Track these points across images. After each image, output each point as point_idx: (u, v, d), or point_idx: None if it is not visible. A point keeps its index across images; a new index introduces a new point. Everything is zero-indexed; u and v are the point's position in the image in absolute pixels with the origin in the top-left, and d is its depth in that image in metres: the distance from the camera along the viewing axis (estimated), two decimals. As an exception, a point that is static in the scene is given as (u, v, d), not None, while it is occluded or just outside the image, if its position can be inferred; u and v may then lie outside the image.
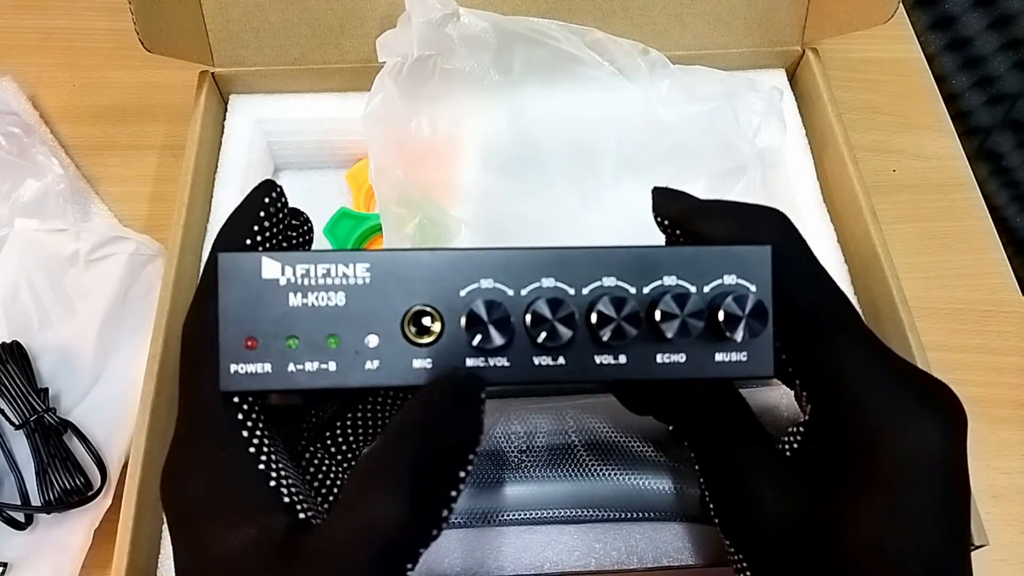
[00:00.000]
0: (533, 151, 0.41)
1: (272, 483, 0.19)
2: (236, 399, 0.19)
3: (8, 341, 0.38)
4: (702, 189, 0.42)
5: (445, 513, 0.18)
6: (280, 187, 0.22)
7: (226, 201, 0.41)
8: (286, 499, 0.19)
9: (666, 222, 0.23)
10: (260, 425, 0.19)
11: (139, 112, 0.50)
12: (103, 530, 0.35)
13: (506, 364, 0.19)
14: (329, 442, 0.24)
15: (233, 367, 0.19)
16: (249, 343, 0.19)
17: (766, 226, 0.22)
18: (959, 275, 0.46)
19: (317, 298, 0.19)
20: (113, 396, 0.39)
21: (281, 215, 0.21)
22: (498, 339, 0.19)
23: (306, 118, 0.44)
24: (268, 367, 0.19)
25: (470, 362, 0.19)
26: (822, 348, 0.21)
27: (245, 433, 0.19)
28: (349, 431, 0.24)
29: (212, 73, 0.43)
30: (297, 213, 0.23)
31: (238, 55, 0.43)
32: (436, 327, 0.19)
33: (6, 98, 0.48)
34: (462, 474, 0.18)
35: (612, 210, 0.41)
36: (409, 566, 0.17)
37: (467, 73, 0.39)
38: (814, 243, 0.40)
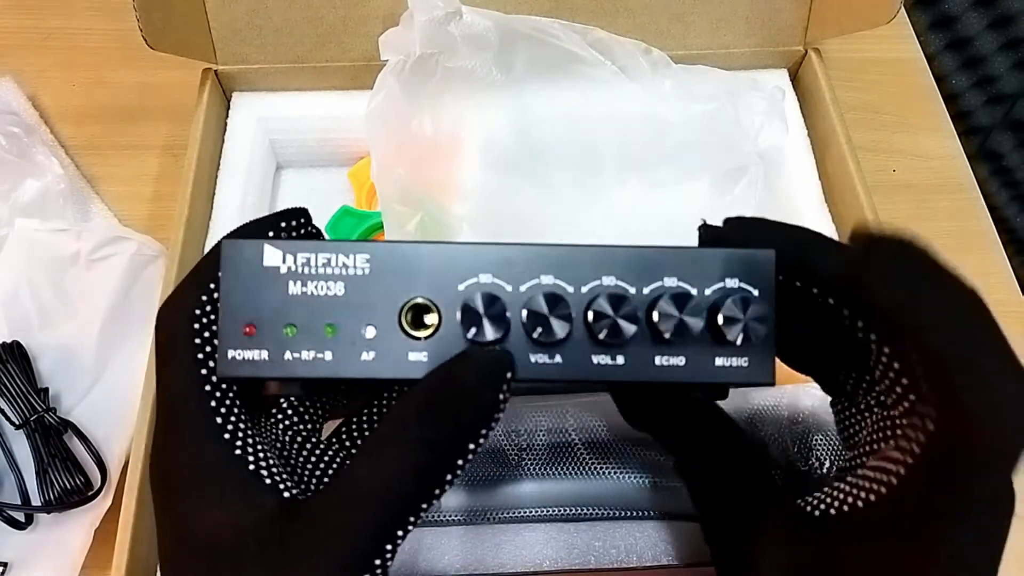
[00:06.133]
0: (535, 150, 0.41)
1: (251, 466, 0.19)
2: (208, 387, 0.19)
3: (8, 341, 0.38)
4: (704, 189, 0.42)
5: (449, 477, 0.18)
6: (308, 214, 0.22)
7: (228, 199, 0.41)
8: (267, 480, 0.19)
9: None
10: (235, 412, 0.20)
11: (139, 112, 0.50)
12: (103, 530, 0.35)
13: None
14: (345, 438, 0.24)
15: (231, 353, 0.19)
16: (247, 329, 0.19)
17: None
18: (959, 275, 0.46)
19: (316, 287, 0.19)
20: (113, 396, 0.39)
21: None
22: (492, 333, 0.19)
23: (308, 116, 0.44)
24: (265, 354, 0.19)
25: None
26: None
27: (219, 420, 0.19)
28: (365, 428, 0.24)
29: (215, 71, 0.43)
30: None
31: (241, 53, 0.43)
32: (433, 320, 0.19)
33: (6, 98, 0.48)
34: (472, 446, 0.18)
35: (614, 209, 0.41)
36: (408, 528, 0.18)
37: (469, 72, 0.39)
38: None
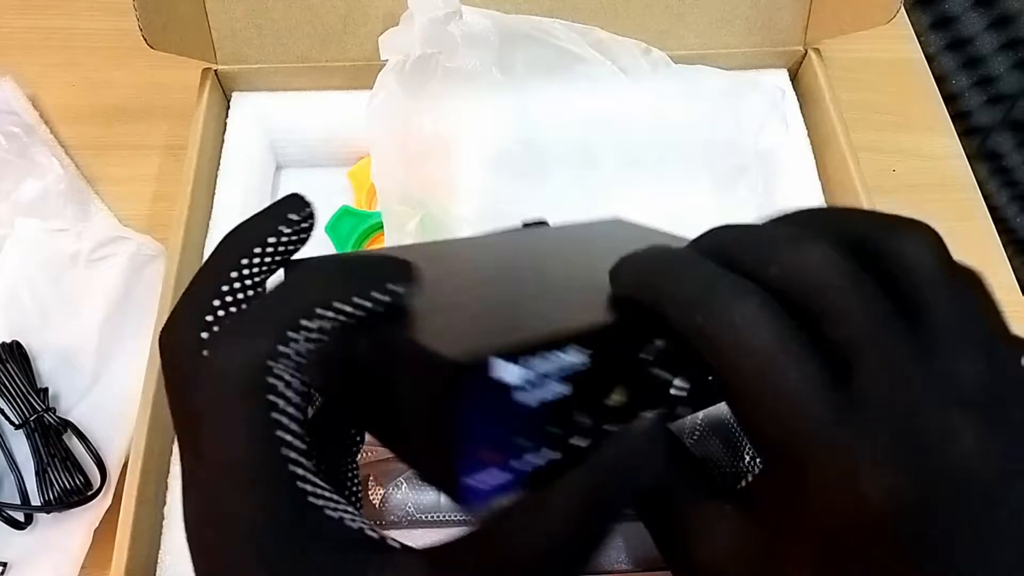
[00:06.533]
0: (535, 150, 0.41)
1: (355, 526, 0.17)
2: (284, 450, 0.16)
3: (8, 341, 0.38)
4: (704, 188, 0.42)
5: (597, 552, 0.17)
6: (311, 206, 0.20)
7: (228, 198, 0.41)
8: (375, 536, 0.17)
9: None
10: (310, 464, 0.17)
11: (140, 112, 0.50)
12: (103, 530, 0.35)
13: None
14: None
15: (465, 480, 0.17)
16: (487, 456, 0.17)
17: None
18: (960, 275, 0.46)
19: (547, 393, 0.18)
20: (113, 396, 0.39)
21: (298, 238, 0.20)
22: (663, 399, 0.19)
23: (308, 116, 0.44)
24: (507, 477, 0.17)
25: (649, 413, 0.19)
26: None
27: (300, 483, 0.16)
28: None
29: (215, 70, 0.43)
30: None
31: (241, 52, 0.43)
32: (623, 392, 0.19)
33: (6, 98, 0.48)
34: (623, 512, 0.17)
35: (614, 209, 0.41)
36: None
37: (469, 71, 0.39)
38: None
